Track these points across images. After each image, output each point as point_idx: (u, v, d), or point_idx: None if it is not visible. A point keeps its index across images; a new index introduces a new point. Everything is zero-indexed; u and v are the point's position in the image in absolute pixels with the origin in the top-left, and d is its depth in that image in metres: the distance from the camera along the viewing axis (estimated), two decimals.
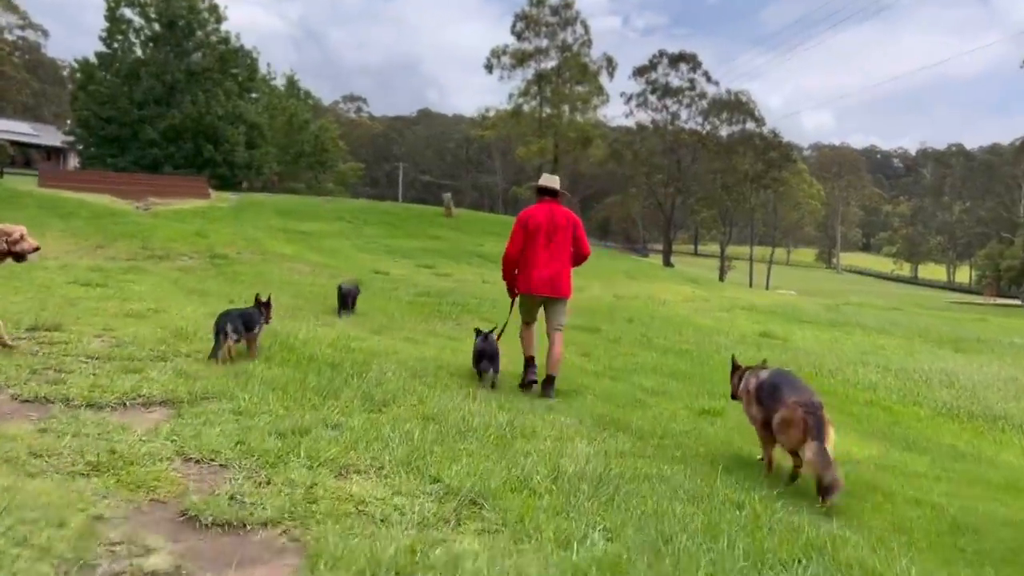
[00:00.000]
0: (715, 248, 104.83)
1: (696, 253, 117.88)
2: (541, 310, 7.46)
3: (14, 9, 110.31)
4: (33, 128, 68.76)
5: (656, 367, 9.07)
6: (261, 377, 5.86)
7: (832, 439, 4.73)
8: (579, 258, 7.39)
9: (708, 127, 78.80)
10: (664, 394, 7.46)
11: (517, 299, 7.64)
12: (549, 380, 7.06)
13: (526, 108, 72.16)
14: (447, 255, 21.87)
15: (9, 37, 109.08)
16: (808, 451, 4.61)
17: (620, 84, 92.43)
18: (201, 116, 50.37)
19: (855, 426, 7.07)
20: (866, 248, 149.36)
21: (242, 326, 6.62)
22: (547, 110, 71.51)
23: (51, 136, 63.71)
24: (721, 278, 71.91)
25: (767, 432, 5.19)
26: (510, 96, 72.14)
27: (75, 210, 19.61)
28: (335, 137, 68.63)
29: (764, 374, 5.43)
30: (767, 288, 69.75)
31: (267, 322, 7.11)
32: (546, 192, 7.38)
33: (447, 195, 33.47)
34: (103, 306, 8.46)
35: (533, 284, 7.20)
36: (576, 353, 9.49)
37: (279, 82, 68.98)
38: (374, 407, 5.54)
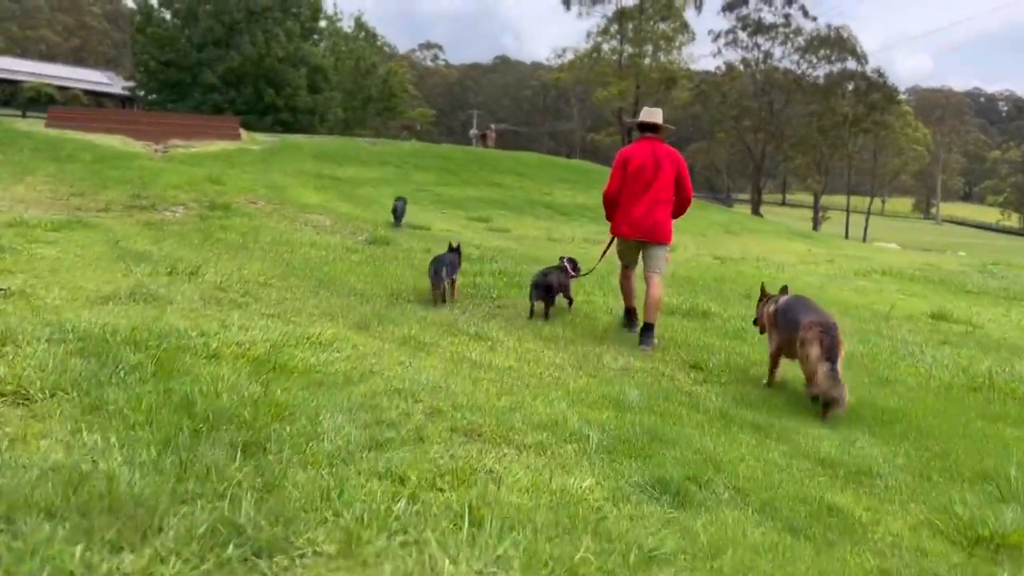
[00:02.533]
0: (803, 198, 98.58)
1: (784, 203, 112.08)
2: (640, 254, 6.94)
3: None
4: (108, 77, 67.72)
5: None
6: None
7: (843, 356, 4.89)
8: (681, 202, 6.81)
9: (804, 66, 72.43)
10: (867, 481, 3.82)
11: (614, 240, 7.15)
12: (647, 328, 6.54)
13: (605, 47, 67.18)
14: (508, 206, 18.35)
15: None
16: (820, 371, 4.73)
17: (706, 22, 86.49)
18: (261, 58, 47.65)
19: None
20: (966, 197, 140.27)
21: (453, 270, 7.30)
22: (628, 49, 66.35)
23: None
24: (815, 228, 66.95)
25: (779, 356, 5.51)
26: (588, 34, 67.24)
27: (76, 153, 16.80)
28: (403, 81, 65.17)
29: (783, 299, 5.73)
30: (864, 240, 64.53)
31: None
32: (647, 128, 6.83)
33: (483, 131, 29.73)
34: None
35: (629, 228, 6.74)
36: (681, 364, 5.93)
37: (346, 24, 65.92)
38: None
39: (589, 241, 14.05)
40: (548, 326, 6.68)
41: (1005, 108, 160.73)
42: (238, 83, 48.06)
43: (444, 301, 7.08)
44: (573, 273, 7.57)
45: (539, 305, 7.00)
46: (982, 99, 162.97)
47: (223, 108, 46.67)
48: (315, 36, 55.37)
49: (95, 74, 66.74)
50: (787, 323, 5.30)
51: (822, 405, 4.75)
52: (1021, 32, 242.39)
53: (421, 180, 19.75)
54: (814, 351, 4.86)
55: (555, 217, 18.04)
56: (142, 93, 50.02)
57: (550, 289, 7.03)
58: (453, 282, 7.37)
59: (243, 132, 22.58)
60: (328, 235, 10.85)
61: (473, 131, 30.87)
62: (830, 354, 4.76)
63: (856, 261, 16.34)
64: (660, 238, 6.70)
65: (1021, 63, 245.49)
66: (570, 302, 7.51)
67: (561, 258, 7.77)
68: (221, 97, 47.47)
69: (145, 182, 14.46)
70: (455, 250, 7.65)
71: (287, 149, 21.33)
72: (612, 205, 6.89)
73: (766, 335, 5.89)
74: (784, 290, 5.99)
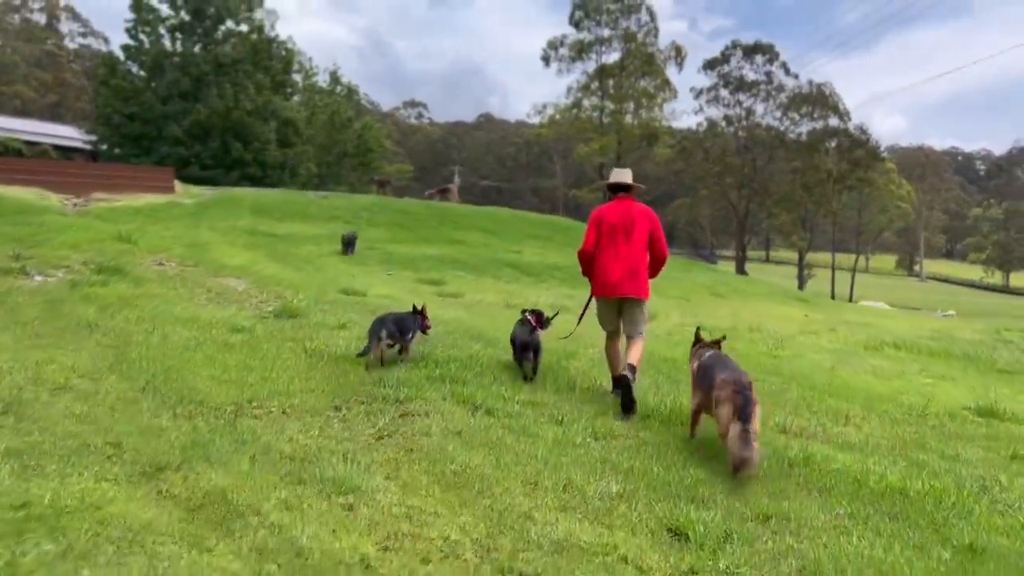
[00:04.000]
0: (787, 255, 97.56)
1: (768, 260, 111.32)
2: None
3: (77, 17, 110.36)
4: (80, 132, 66.24)
5: None
6: None
7: (758, 417, 4.80)
8: (655, 261, 6.68)
9: (787, 123, 71.81)
10: None
11: (592, 300, 6.90)
12: (630, 368, 6.22)
13: (586, 103, 66.22)
14: (467, 265, 16.28)
15: (71, 45, 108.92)
16: (731, 431, 4.64)
17: (688, 80, 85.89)
18: (228, 111, 45.91)
19: None
20: (948, 255, 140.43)
21: (396, 331, 6.67)
22: (609, 105, 65.42)
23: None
24: (800, 287, 65.52)
25: (699, 409, 5.37)
26: (568, 90, 66.19)
27: None
28: (379, 136, 63.70)
29: (705, 355, 5.64)
30: (851, 299, 63.15)
31: (423, 331, 7.13)
32: (619, 188, 6.76)
33: (441, 186, 27.74)
34: None
35: (606, 286, 6.57)
36: (656, 528, 3.77)
37: (322, 78, 64.76)
38: None
39: (556, 307, 11.99)
40: (463, 453, 4.55)
41: (983, 167, 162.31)
42: (205, 137, 46.27)
43: (381, 364, 6.52)
44: (537, 326, 6.94)
45: (528, 367, 6.76)
46: (959, 158, 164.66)
47: (189, 162, 44.86)
48: (288, 89, 53.98)
49: (66, 129, 65.23)
50: (704, 381, 5.27)
51: (731, 466, 4.61)
52: (994, 92, 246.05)
53: (372, 237, 17.67)
54: (725, 411, 4.81)
55: (521, 278, 15.99)
56: (105, 147, 48.12)
57: (538, 351, 6.78)
58: (405, 344, 6.82)
59: (178, 184, 20.55)
60: (220, 307, 8.72)
61: (429, 192, 28.27)
62: (742, 414, 4.66)
63: (860, 330, 14.34)
64: (636, 294, 6.51)
65: (995, 122, 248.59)
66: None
67: (523, 311, 7.17)
68: (187, 151, 45.63)
69: (38, 241, 12.40)
70: (418, 311, 7.11)
71: (224, 203, 19.26)
72: (588, 263, 6.74)
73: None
74: (718, 343, 5.92)
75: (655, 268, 6.67)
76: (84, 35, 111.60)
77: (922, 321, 19.63)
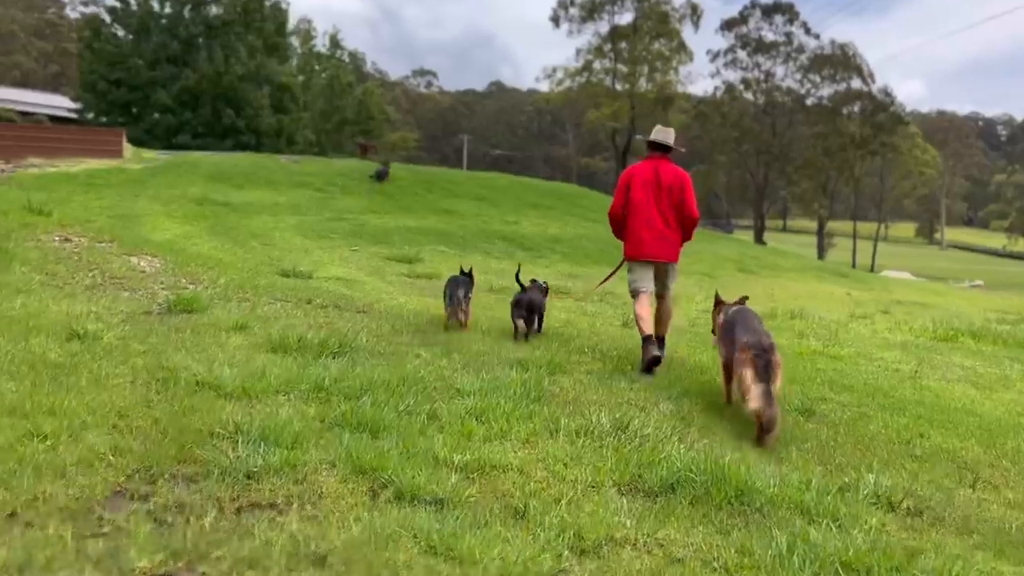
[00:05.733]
0: (805, 224, 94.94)
1: (785, 228, 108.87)
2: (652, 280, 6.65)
3: None
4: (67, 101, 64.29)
5: None
6: None
7: (779, 382, 4.77)
8: (686, 223, 6.57)
9: (808, 86, 68.86)
10: None
11: (623, 263, 6.95)
12: (658, 339, 6.53)
13: (597, 66, 63.38)
14: (453, 239, 13.97)
15: (72, 15, 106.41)
16: (752, 394, 4.61)
17: (704, 42, 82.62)
18: (219, 76, 43.53)
19: None
20: (969, 222, 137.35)
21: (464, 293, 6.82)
22: (622, 68, 62.55)
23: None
24: (820, 256, 63.12)
25: (727, 370, 5.29)
26: (578, 52, 63.29)
27: None
28: (380, 102, 61.14)
29: (730, 311, 5.58)
30: (872, 268, 60.71)
31: None
32: (657, 147, 6.59)
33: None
34: None
35: (637, 248, 6.52)
36: None
37: (321, 41, 62.17)
38: None
39: (552, 292, 9.70)
40: None
41: (1005, 132, 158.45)
42: (195, 103, 44.02)
43: (463, 325, 6.75)
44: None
45: (522, 325, 6.73)
46: (980, 123, 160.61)
47: (178, 130, 42.76)
48: (286, 52, 51.51)
49: (61, 99, 63.37)
50: (728, 340, 5.22)
51: (757, 429, 4.56)
52: (1014, 56, 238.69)
53: (344, 206, 15.37)
54: (748, 373, 4.72)
55: (515, 254, 13.70)
56: (91, 115, 45.91)
57: (532, 308, 6.82)
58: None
59: (128, 148, 18.29)
60: (92, 299, 6.46)
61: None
62: (764, 376, 4.62)
63: (918, 312, 12.01)
64: (668, 258, 6.53)
65: (1016, 87, 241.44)
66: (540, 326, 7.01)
67: (533, 281, 7.35)
68: (175, 119, 43.47)
69: None
70: (467, 274, 7.18)
71: (176, 168, 16.97)
72: (618, 225, 6.72)
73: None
74: (742, 300, 5.78)
75: (687, 231, 6.60)
76: (86, 4, 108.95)
77: (979, 298, 17.25)
